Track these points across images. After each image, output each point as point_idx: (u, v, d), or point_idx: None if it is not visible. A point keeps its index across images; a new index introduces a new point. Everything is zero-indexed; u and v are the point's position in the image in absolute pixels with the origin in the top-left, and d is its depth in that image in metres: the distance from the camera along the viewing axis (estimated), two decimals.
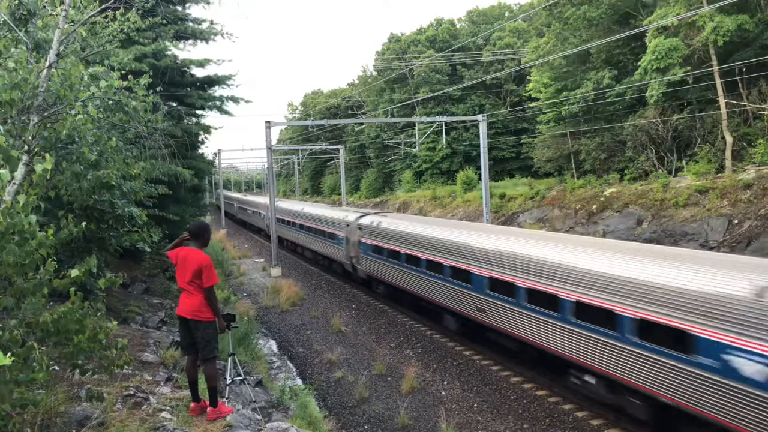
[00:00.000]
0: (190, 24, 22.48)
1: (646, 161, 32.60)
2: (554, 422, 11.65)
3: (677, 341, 9.08)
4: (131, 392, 7.58)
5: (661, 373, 9.43)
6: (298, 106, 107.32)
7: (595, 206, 31.13)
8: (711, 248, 22.90)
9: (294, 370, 16.31)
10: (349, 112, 77.83)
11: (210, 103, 22.94)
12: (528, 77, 46.31)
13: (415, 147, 45.77)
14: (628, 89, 32.73)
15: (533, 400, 12.69)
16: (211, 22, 22.76)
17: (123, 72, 8.98)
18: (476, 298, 14.74)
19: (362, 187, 73.04)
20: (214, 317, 7.00)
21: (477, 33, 58.31)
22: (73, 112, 7.13)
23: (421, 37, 62.79)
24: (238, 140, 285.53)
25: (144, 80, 8.42)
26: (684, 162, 31.00)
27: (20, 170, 6.05)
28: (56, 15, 7.83)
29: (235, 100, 23.58)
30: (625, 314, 10.06)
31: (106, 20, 9.43)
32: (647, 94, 30.44)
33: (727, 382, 8.34)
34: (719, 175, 27.34)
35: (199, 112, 23.42)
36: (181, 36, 21.67)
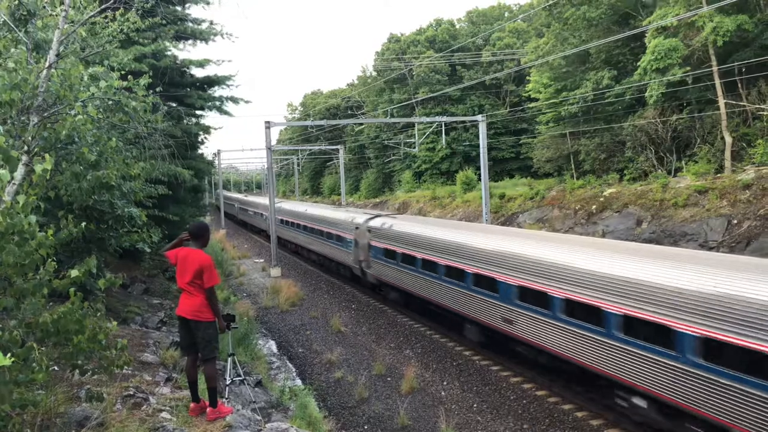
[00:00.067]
0: (190, 24, 22.51)
1: (646, 161, 32.61)
2: (554, 422, 11.65)
3: (755, 366, 7.92)
4: (131, 392, 7.57)
5: (733, 401, 8.23)
6: (298, 106, 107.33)
7: (594, 206, 31.14)
8: (710, 248, 22.91)
9: (293, 370, 16.31)
10: (349, 112, 77.83)
11: (210, 104, 22.96)
12: (527, 77, 46.32)
13: (414, 147, 45.77)
14: (628, 89, 32.74)
15: (533, 400, 12.69)
16: (211, 23, 22.82)
17: (123, 72, 8.99)
18: (503, 308, 13.53)
19: (362, 187, 73.07)
20: (215, 317, 7.01)
21: (476, 33, 58.32)
22: (72, 112, 7.13)
23: (420, 37, 62.81)
24: (237, 140, 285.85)
25: (144, 80, 8.42)
26: (683, 162, 31.02)
27: (20, 170, 6.05)
28: (56, 15, 7.83)
29: (234, 100, 23.61)
30: (687, 331, 8.88)
31: (106, 20, 9.43)
32: (647, 94, 30.45)
33: None
34: (718, 175, 27.34)
35: (198, 112, 23.45)
36: (180, 36, 21.69)
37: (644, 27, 28.73)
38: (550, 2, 37.60)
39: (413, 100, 55.95)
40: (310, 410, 11.65)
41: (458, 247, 15.74)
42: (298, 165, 72.99)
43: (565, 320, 11.44)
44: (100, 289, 6.69)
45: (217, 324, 7.07)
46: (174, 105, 19.56)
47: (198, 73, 23.40)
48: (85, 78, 7.88)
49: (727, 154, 28.04)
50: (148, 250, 14.34)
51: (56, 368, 7.28)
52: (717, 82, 28.05)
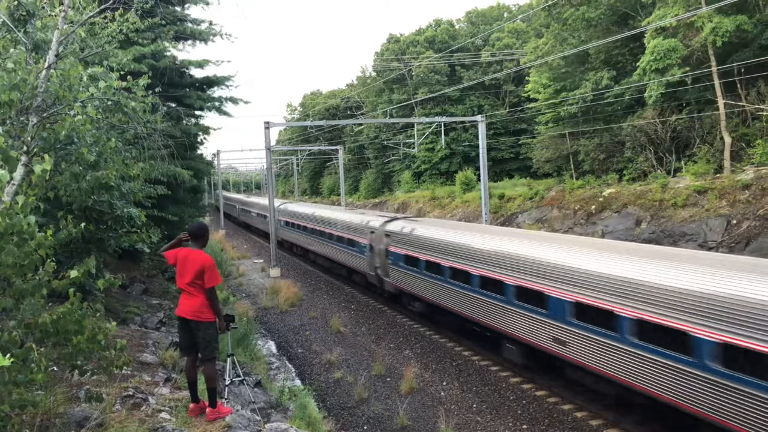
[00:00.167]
0: (189, 25, 22.51)
1: (645, 162, 32.64)
2: (553, 422, 11.66)
3: None
4: (130, 393, 7.57)
5: None
6: (297, 106, 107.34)
7: (594, 207, 31.16)
8: (710, 248, 22.94)
9: (293, 370, 16.31)
10: (348, 112, 77.88)
11: (209, 104, 22.97)
12: (527, 78, 46.36)
13: (414, 147, 45.79)
14: (627, 90, 32.77)
15: (532, 401, 12.70)
16: (210, 23, 22.84)
17: (122, 73, 8.98)
18: (554, 327, 11.91)
19: (361, 187, 73.12)
20: (215, 318, 7.01)
21: (476, 34, 58.36)
22: (72, 112, 7.13)
23: (420, 37, 62.86)
24: (237, 141, 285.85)
25: (143, 81, 8.42)
26: (683, 162, 31.04)
27: (19, 171, 6.05)
28: (55, 16, 7.83)
29: (234, 101, 23.60)
30: None
31: (105, 21, 9.42)
32: (646, 94, 30.47)
33: None
34: (718, 175, 27.37)
35: (198, 112, 23.45)
36: (180, 37, 21.69)
37: (643, 27, 28.75)
38: (550, 3, 37.63)
39: (412, 101, 55.98)
40: (310, 410, 11.65)
41: (495, 255, 14.05)
42: (298, 165, 72.95)
43: (639, 345, 9.77)
44: (99, 289, 6.69)
45: (217, 324, 7.07)
46: (173, 105, 19.56)
47: (197, 73, 23.44)
48: (85, 78, 7.88)
49: (727, 154, 28.06)
50: (148, 251, 14.36)
51: (55, 369, 7.28)
52: (716, 82, 28.08)
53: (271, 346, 18.83)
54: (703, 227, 24.65)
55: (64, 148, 7.63)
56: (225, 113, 23.78)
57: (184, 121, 20.79)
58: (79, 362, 5.88)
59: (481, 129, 29.38)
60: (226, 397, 8.66)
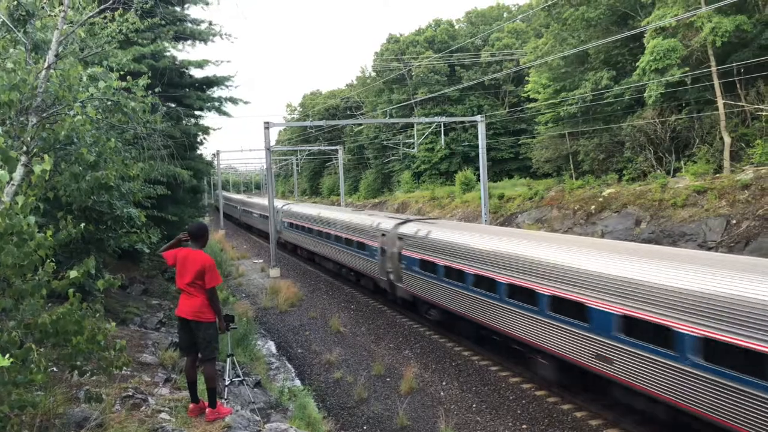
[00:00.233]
0: (189, 25, 22.52)
1: (645, 162, 32.66)
2: (553, 422, 11.66)
3: None
4: (130, 393, 7.58)
5: None
6: (297, 106, 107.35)
7: (593, 207, 31.18)
8: (709, 248, 22.95)
9: (293, 370, 16.31)
10: (348, 112, 77.88)
11: (208, 104, 22.98)
12: (526, 78, 46.39)
13: (413, 148, 45.80)
14: (627, 90, 32.79)
15: (532, 400, 12.70)
16: (210, 23, 22.86)
17: (122, 73, 8.97)
18: (597, 342, 10.83)
19: (361, 187, 73.13)
20: (215, 318, 7.01)
21: (475, 34, 58.37)
22: (71, 112, 7.12)
23: (419, 37, 62.88)
24: (236, 141, 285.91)
25: (143, 81, 8.42)
26: (682, 162, 31.06)
27: (19, 171, 6.05)
28: (55, 16, 7.83)
29: (233, 101, 23.62)
30: None
31: (105, 21, 9.42)
32: (645, 94, 30.49)
33: None
34: (717, 175, 27.39)
35: (197, 113, 23.47)
36: (179, 37, 21.70)
37: (643, 27, 28.77)
38: (549, 3, 37.64)
39: (412, 101, 55.99)
40: (309, 411, 11.66)
41: (526, 261, 12.98)
42: (297, 165, 72.94)
43: (703, 366, 8.71)
44: (98, 289, 6.69)
45: (217, 324, 7.08)
46: (173, 105, 19.56)
47: (197, 73, 23.46)
48: (84, 78, 7.88)
49: (726, 154, 28.08)
50: (147, 251, 14.35)
51: (55, 369, 7.28)
52: (716, 82, 28.10)
53: (271, 346, 18.83)
54: (702, 227, 24.66)
55: (64, 148, 7.63)
56: (225, 113, 23.81)
57: (183, 122, 20.80)
58: (78, 363, 5.88)
59: (481, 129, 29.38)
60: (225, 397, 8.67)
